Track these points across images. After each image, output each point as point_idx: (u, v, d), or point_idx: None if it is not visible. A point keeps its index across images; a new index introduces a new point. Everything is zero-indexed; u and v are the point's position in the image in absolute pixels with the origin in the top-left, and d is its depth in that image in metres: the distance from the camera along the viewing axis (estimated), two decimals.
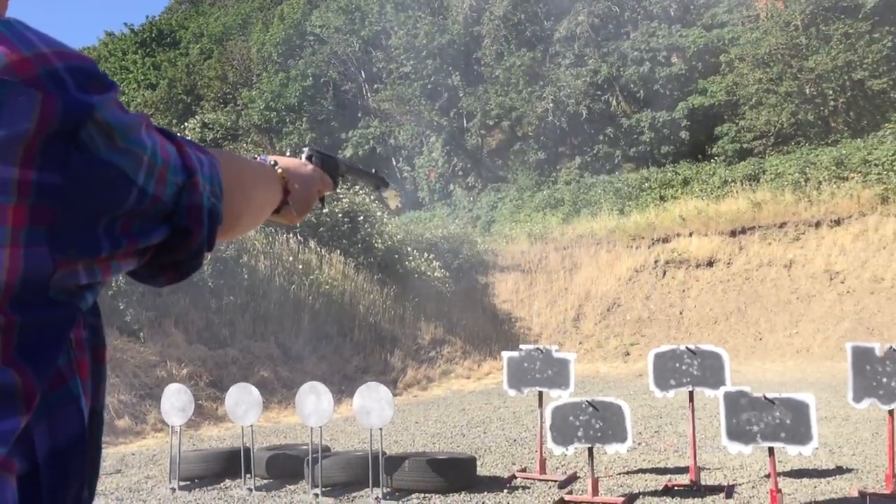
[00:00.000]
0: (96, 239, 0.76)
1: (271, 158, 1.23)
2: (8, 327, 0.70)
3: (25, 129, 0.68)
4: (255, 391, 7.11)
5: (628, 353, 19.79)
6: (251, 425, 7.16)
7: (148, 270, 0.91)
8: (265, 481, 7.31)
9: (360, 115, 34.61)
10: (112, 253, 0.78)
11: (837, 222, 20.53)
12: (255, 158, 1.21)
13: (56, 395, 0.75)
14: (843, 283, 19.48)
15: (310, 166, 1.29)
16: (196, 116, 29.65)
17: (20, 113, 0.68)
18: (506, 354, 7.56)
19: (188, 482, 7.36)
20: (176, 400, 7.25)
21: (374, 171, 1.60)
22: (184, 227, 0.86)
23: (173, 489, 7.13)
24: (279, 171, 1.20)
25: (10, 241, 0.69)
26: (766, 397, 5.60)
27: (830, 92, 24.58)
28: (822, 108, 24.87)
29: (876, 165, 21.18)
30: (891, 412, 6.12)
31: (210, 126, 29.69)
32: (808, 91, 24.90)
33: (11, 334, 0.70)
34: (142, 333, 12.63)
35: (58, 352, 0.75)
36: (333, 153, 1.38)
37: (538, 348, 7.39)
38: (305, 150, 1.32)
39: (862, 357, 6.16)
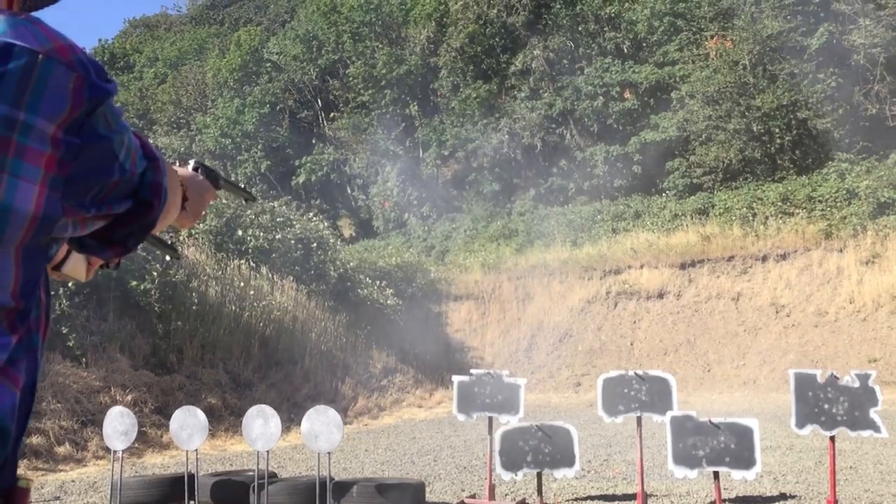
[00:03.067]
0: (88, 200, 0.95)
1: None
2: (24, 256, 0.88)
3: (65, 103, 0.89)
4: (200, 414, 6.97)
5: (579, 384, 19.89)
6: (196, 450, 7.01)
7: (98, 242, 1.07)
8: None
9: (314, 141, 34.56)
10: (93, 214, 0.97)
11: (783, 257, 21.01)
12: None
13: (29, 341, 0.90)
14: (788, 316, 19.89)
15: (200, 176, 1.44)
16: (149, 141, 29.29)
17: (61, 89, 0.88)
18: (456, 379, 7.54)
19: None
20: (119, 424, 7.08)
21: (243, 186, 1.81)
22: (146, 200, 1.04)
23: None
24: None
25: (41, 181, 0.88)
26: (711, 422, 5.67)
27: (777, 130, 25.26)
28: (768, 146, 25.52)
29: (820, 202, 21.78)
30: (832, 438, 6.24)
31: (162, 150, 29.34)
32: (755, 129, 25.55)
33: (22, 266, 0.88)
34: (85, 359, 12.32)
35: (35, 292, 0.91)
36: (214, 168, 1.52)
37: (488, 373, 7.39)
38: (192, 161, 1.45)
39: (804, 384, 6.28)
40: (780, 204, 22.23)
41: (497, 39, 31.70)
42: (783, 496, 7.29)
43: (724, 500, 6.25)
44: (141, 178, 1.03)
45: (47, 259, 0.95)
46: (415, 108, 33.03)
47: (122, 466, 7.20)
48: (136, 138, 1.04)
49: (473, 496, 7.37)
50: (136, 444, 10.71)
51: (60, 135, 0.88)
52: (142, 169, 1.03)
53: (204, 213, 1.48)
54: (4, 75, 0.85)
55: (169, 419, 7.56)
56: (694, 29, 28.40)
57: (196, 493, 6.98)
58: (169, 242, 1.72)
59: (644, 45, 29.97)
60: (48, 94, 0.87)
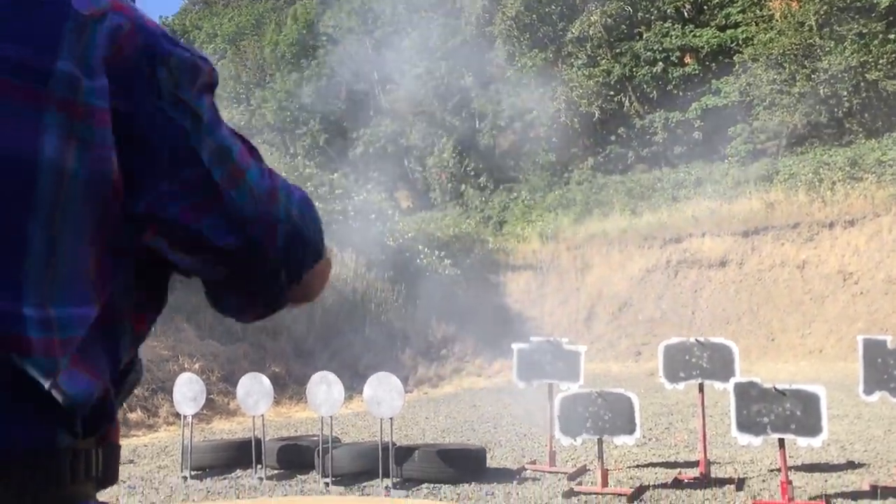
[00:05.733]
0: (161, 192, 0.82)
1: None
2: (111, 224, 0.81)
3: (114, 50, 0.80)
4: (266, 381, 7.15)
5: (640, 353, 19.74)
6: (262, 415, 7.20)
7: (236, 300, 0.93)
8: (276, 471, 7.35)
9: (371, 113, 34.69)
10: (167, 218, 0.83)
11: (851, 223, 20.41)
12: None
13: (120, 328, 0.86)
14: (856, 283, 19.37)
15: None
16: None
17: (114, 37, 0.81)
18: (516, 346, 7.57)
19: (200, 471, 7.40)
20: (188, 390, 7.30)
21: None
22: (254, 239, 0.83)
23: (185, 478, 7.18)
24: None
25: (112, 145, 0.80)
26: (776, 388, 5.59)
27: (844, 93, 24.43)
28: (836, 110, 24.72)
29: (890, 166, 21.05)
30: None
31: None
32: (821, 92, 24.76)
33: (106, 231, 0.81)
34: (153, 328, 12.69)
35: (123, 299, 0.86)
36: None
37: (548, 340, 7.40)
38: None
39: (873, 350, 6.14)
40: (847, 169, 21.54)
41: (553, 6, 31.23)
42: (851, 464, 7.16)
43: (790, 468, 6.17)
44: (254, 209, 0.84)
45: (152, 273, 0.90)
46: (470, 78, 32.83)
47: (191, 431, 7.44)
48: (251, 159, 0.88)
49: (534, 462, 7.42)
50: (205, 411, 11.02)
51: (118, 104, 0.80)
52: (246, 192, 0.84)
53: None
54: (64, 34, 0.80)
55: (235, 387, 7.77)
56: None
57: (263, 456, 7.18)
58: None
59: (705, 7, 29.20)
60: (102, 48, 0.80)
